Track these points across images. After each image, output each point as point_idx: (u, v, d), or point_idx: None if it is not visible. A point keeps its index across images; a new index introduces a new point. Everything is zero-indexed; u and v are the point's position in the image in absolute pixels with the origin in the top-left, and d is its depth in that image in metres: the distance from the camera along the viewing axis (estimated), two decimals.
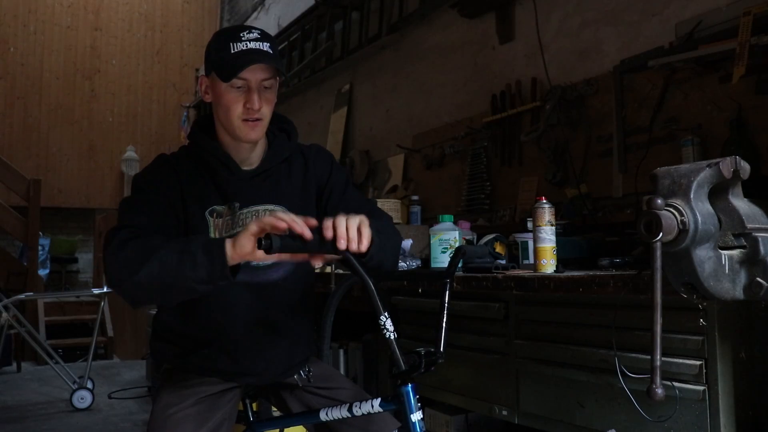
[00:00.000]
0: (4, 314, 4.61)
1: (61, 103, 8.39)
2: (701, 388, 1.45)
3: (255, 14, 6.64)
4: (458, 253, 1.45)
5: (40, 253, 7.30)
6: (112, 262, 1.24)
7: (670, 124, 2.38)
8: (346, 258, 1.20)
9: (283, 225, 1.14)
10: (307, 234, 1.15)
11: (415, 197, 3.39)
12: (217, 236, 1.42)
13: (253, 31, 1.40)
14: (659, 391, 1.12)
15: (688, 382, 1.47)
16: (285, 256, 1.19)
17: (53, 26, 8.42)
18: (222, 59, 1.37)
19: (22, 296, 4.95)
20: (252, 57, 1.35)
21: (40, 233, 7.15)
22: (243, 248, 1.17)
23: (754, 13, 2.05)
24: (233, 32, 1.40)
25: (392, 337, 1.20)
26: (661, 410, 1.50)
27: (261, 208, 1.46)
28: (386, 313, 1.21)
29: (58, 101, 8.37)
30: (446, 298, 1.35)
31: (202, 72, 1.55)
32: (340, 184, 1.56)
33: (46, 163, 8.25)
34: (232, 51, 1.36)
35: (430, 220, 3.20)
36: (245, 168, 1.47)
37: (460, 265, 2.13)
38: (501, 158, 3.16)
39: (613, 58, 2.65)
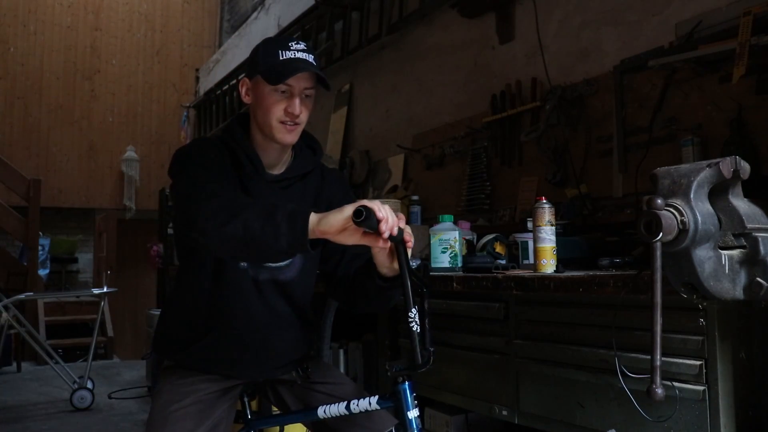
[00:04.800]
0: (4, 314, 4.61)
1: (61, 103, 8.38)
2: (701, 388, 1.45)
3: (255, 14, 6.63)
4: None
5: (40, 253, 7.29)
6: (200, 211, 1.27)
7: (670, 124, 2.38)
8: (399, 250, 1.25)
9: (380, 215, 1.17)
10: (394, 233, 1.20)
11: (415, 197, 3.38)
12: None
13: (300, 42, 1.47)
14: (659, 391, 1.12)
15: (688, 382, 1.48)
16: (356, 236, 1.20)
17: (53, 26, 8.41)
18: (270, 64, 1.43)
19: (22, 296, 4.94)
20: (300, 65, 1.42)
21: (40, 233, 7.14)
22: (330, 226, 1.18)
23: (754, 13, 2.05)
24: (282, 41, 1.47)
25: (417, 330, 1.23)
26: (661, 410, 1.50)
27: None
28: (416, 308, 1.22)
29: (58, 101, 8.36)
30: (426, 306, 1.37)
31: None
32: None
33: (46, 163, 8.24)
34: (281, 58, 1.42)
35: (430, 220, 3.20)
36: (269, 172, 1.52)
37: (460, 265, 2.15)
38: (501, 158, 3.16)
39: (613, 58, 2.65)
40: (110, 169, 8.62)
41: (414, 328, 1.23)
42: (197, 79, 8.53)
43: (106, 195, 8.59)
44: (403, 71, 4.07)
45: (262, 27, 6.23)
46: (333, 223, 1.18)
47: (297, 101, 1.43)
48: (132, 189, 8.54)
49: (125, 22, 8.84)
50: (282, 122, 1.44)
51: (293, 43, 1.45)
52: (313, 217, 1.20)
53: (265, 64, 1.44)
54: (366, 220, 1.14)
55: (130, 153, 8.58)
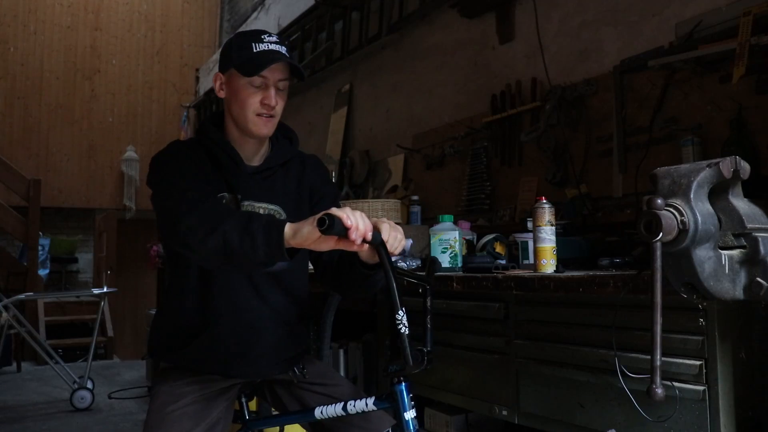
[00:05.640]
0: (4, 314, 4.61)
1: (61, 103, 8.38)
2: (701, 388, 1.45)
3: (255, 14, 6.63)
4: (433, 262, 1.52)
5: (40, 253, 7.28)
6: (181, 225, 1.29)
7: (670, 124, 2.38)
8: (380, 253, 1.24)
9: (349, 224, 1.17)
10: (368, 238, 1.20)
11: (415, 197, 3.39)
12: None
13: (273, 35, 1.49)
14: (659, 391, 1.12)
15: (688, 382, 1.47)
16: (330, 242, 1.21)
17: (53, 26, 8.41)
18: (245, 57, 1.44)
19: (22, 296, 4.95)
20: (275, 56, 1.43)
21: (40, 233, 7.14)
22: (304, 239, 1.20)
23: (754, 13, 2.05)
24: (255, 34, 1.48)
25: (406, 333, 1.22)
26: (661, 410, 1.50)
27: (258, 204, 1.51)
28: (403, 309, 1.22)
29: (58, 101, 8.36)
30: (429, 302, 1.38)
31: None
32: (330, 197, 1.64)
33: (46, 163, 8.24)
34: (255, 50, 1.44)
35: (430, 220, 3.20)
36: (248, 164, 1.53)
37: (460, 265, 2.15)
38: (501, 158, 3.16)
39: (613, 58, 2.65)
40: (110, 169, 8.62)
41: (402, 331, 1.22)
42: (197, 79, 8.53)
43: (106, 195, 8.59)
44: (403, 71, 4.07)
45: (262, 27, 6.23)
46: (306, 236, 1.19)
47: (272, 92, 1.45)
48: (132, 189, 8.54)
49: (125, 22, 8.84)
50: (258, 115, 1.46)
51: (266, 36, 1.47)
52: (288, 230, 1.21)
53: (239, 57, 1.45)
54: (331, 228, 1.15)
55: (130, 153, 8.58)
